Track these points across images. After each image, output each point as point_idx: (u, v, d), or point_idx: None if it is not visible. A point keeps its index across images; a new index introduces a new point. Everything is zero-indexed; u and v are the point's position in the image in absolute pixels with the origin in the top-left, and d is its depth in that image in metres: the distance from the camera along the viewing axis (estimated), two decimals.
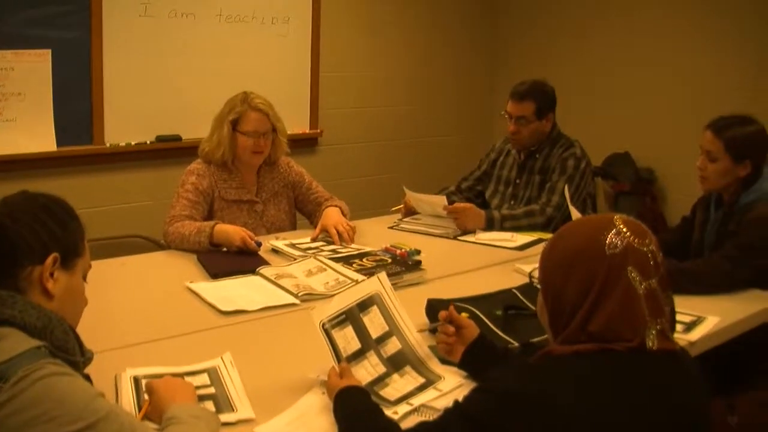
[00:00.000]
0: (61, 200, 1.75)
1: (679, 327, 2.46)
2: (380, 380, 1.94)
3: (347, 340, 1.96)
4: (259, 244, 3.16)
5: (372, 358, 1.98)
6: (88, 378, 1.62)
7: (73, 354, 1.60)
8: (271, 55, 5.43)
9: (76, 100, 4.62)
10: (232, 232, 3.17)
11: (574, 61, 6.27)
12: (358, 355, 1.96)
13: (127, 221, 4.72)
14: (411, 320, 2.11)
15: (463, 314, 2.21)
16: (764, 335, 2.85)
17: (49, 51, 4.46)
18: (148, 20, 4.80)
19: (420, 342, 2.08)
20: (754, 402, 3.27)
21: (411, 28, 6.29)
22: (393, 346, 2.03)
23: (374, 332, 2.02)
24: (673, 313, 1.60)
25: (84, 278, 1.76)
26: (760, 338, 2.85)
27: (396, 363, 2.00)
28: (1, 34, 4.28)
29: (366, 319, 2.02)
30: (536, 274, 1.69)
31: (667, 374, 1.53)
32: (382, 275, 2.13)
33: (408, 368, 2.00)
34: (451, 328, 2.05)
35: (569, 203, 3.26)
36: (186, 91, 4.97)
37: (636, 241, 1.56)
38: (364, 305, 2.05)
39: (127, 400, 1.89)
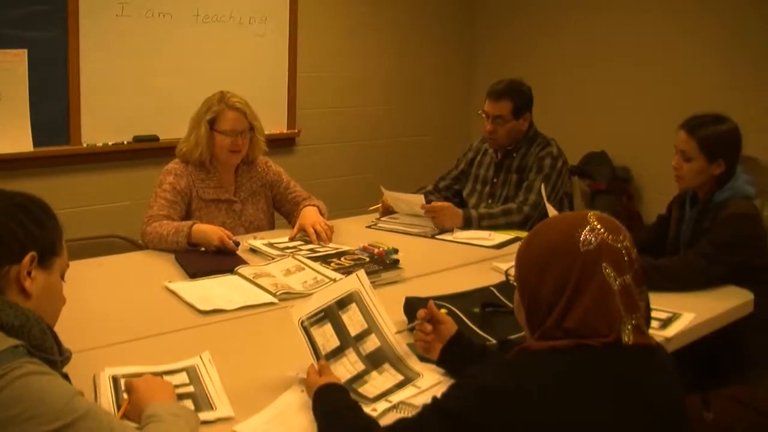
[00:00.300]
0: (38, 199, 1.75)
1: (655, 323, 2.49)
2: (359, 377, 1.95)
3: (326, 337, 1.97)
4: (237, 244, 3.16)
5: (351, 355, 1.99)
6: (66, 377, 1.62)
7: (51, 353, 1.59)
8: (248, 55, 5.42)
9: (53, 100, 4.60)
10: (210, 231, 3.17)
11: (552, 60, 6.31)
12: (336, 353, 1.97)
13: (104, 221, 4.69)
14: (390, 318, 2.12)
15: (442, 310, 2.22)
16: (739, 331, 2.89)
17: (25, 51, 4.43)
18: (125, 20, 4.79)
19: (399, 340, 2.09)
20: (729, 398, 3.31)
21: (388, 29, 6.30)
22: (372, 343, 2.04)
23: (353, 330, 2.03)
24: (648, 308, 1.61)
25: (62, 277, 1.76)
26: (735, 334, 2.89)
27: (375, 360, 2.01)
28: None
29: (345, 317, 2.03)
30: (513, 272, 1.71)
31: (643, 369, 1.55)
32: (361, 273, 2.14)
33: (387, 366, 2.01)
34: (429, 326, 2.06)
35: (546, 201, 3.28)
36: (163, 91, 4.96)
37: (610, 237, 1.58)
38: (342, 303, 2.05)
39: (106, 399, 1.89)
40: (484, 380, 1.52)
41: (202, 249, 3.18)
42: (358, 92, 6.21)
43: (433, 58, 6.65)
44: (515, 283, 1.67)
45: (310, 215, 3.48)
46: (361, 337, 2.03)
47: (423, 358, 2.08)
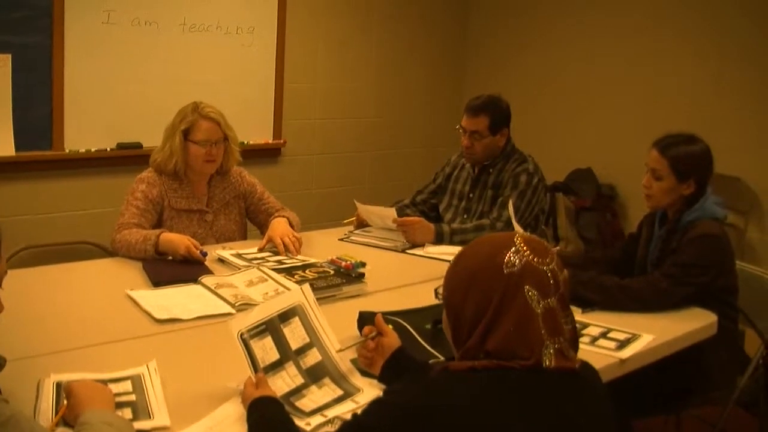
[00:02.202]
0: None
1: (612, 344, 2.50)
2: (297, 391, 1.95)
3: (266, 350, 1.97)
4: (205, 254, 3.17)
5: (290, 369, 1.99)
6: None
7: None
8: (235, 64, 5.45)
9: (36, 106, 4.63)
10: (177, 240, 3.18)
11: (541, 75, 6.34)
12: (276, 366, 1.97)
13: (85, 227, 4.70)
14: (334, 333, 2.12)
15: (389, 326, 2.22)
16: (703, 352, 2.89)
17: (9, 56, 4.47)
18: (111, 27, 4.82)
19: (341, 355, 2.09)
20: (699, 419, 3.32)
21: (377, 41, 6.33)
22: (313, 357, 2.04)
23: (294, 343, 2.03)
24: (575, 331, 1.61)
25: None
26: (700, 355, 2.89)
27: (315, 375, 2.01)
28: None
29: (287, 330, 2.03)
30: (441, 290, 1.71)
31: (563, 392, 1.54)
32: (306, 287, 2.15)
33: (327, 380, 2.01)
34: (372, 344, 2.07)
35: (512, 218, 3.29)
36: (148, 99, 4.98)
37: (535, 259, 1.57)
38: (285, 316, 2.06)
39: (47, 404, 1.89)
40: (401, 398, 1.52)
41: (170, 258, 3.19)
42: (345, 103, 6.23)
43: (422, 71, 6.67)
44: (443, 302, 1.67)
45: (279, 227, 3.48)
46: (303, 351, 2.04)
47: (365, 373, 2.08)
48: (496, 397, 1.49)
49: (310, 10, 5.86)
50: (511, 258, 1.57)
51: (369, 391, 2.01)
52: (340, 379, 2.03)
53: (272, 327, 2.02)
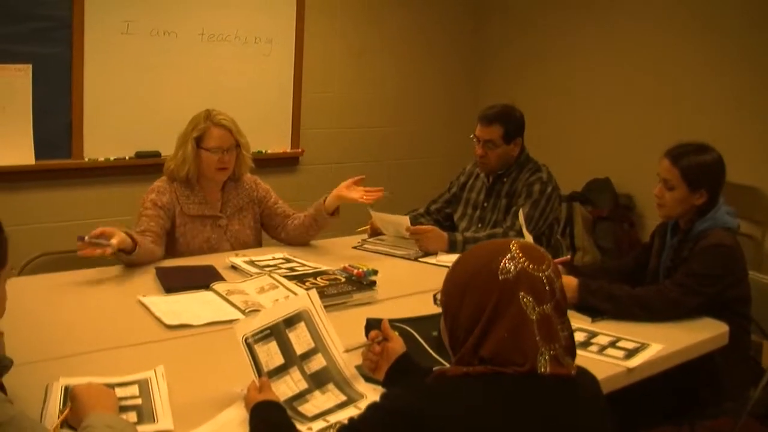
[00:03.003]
0: None
1: (620, 353, 2.50)
2: (301, 396, 1.96)
3: (270, 354, 1.98)
4: (81, 238, 3.02)
5: (295, 374, 2.00)
6: (1, 386, 1.65)
7: None
8: (253, 74, 5.49)
9: (56, 115, 4.70)
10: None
11: (558, 86, 6.33)
12: (280, 371, 1.98)
13: None
14: (339, 339, 2.13)
15: (395, 332, 2.24)
16: (716, 363, 2.88)
17: (30, 66, 4.54)
18: (130, 38, 4.88)
19: (346, 361, 2.10)
20: (711, 431, 3.30)
21: (395, 51, 6.36)
22: (317, 363, 2.05)
23: (299, 348, 2.04)
24: (571, 338, 1.61)
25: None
26: (712, 366, 2.88)
27: (319, 380, 2.02)
28: None
29: (292, 335, 2.05)
30: (440, 296, 1.72)
31: (558, 399, 1.55)
32: (312, 292, 2.17)
33: (331, 386, 2.02)
34: (378, 348, 2.08)
35: (523, 226, 3.29)
36: (166, 109, 5.03)
37: (531, 266, 1.58)
38: (290, 321, 2.07)
39: (54, 407, 1.92)
40: (396, 403, 1.53)
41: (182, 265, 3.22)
42: (362, 113, 6.26)
43: (439, 81, 6.70)
44: (441, 307, 1.68)
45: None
46: (308, 356, 2.05)
47: (369, 379, 2.09)
48: (489, 403, 1.49)
49: (329, 20, 5.90)
50: (507, 264, 1.57)
51: (373, 397, 2.01)
52: (343, 385, 2.04)
53: (277, 332, 2.04)
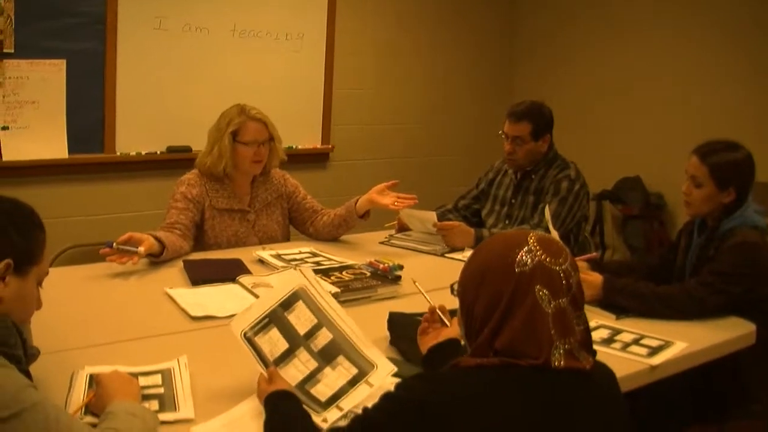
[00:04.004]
0: (27, 208, 1.81)
1: (644, 351, 2.48)
2: (312, 377, 1.95)
3: (273, 342, 1.97)
4: (109, 244, 3.08)
5: (302, 354, 1.98)
6: (28, 374, 1.68)
7: (14, 348, 1.66)
8: (284, 70, 5.53)
9: (89, 110, 4.76)
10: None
11: (588, 83, 6.30)
12: (287, 356, 1.97)
13: (135, 229, 4.73)
14: (341, 308, 2.10)
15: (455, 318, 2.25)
16: (742, 363, 2.85)
17: (64, 61, 4.61)
18: (162, 33, 4.93)
19: (352, 326, 2.06)
20: None
21: (425, 47, 6.37)
22: (323, 337, 2.02)
23: (302, 328, 2.02)
24: (587, 332, 1.61)
25: (39, 284, 1.83)
26: (738, 366, 2.85)
27: (328, 355, 2.00)
28: (17, 44, 4.43)
29: (292, 317, 2.03)
30: (457, 286, 1.72)
31: (571, 392, 1.54)
32: (304, 268, 2.16)
33: (341, 358, 1.99)
34: (435, 309, 2.16)
35: (549, 222, 3.28)
36: (198, 104, 5.07)
37: (547, 259, 1.57)
38: (287, 303, 2.05)
39: (78, 395, 1.95)
40: (409, 392, 1.53)
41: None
42: (393, 110, 6.28)
43: (469, 78, 6.70)
44: (457, 298, 1.69)
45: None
46: (312, 333, 2.02)
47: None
48: (501, 394, 1.50)
49: (359, 17, 5.92)
50: (524, 257, 1.57)
51: (383, 366, 1.99)
52: (353, 354, 2.01)
53: (276, 318, 2.02)
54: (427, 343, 2.12)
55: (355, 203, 3.69)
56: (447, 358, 1.99)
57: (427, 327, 2.15)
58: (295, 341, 2.01)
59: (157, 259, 3.20)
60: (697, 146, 3.09)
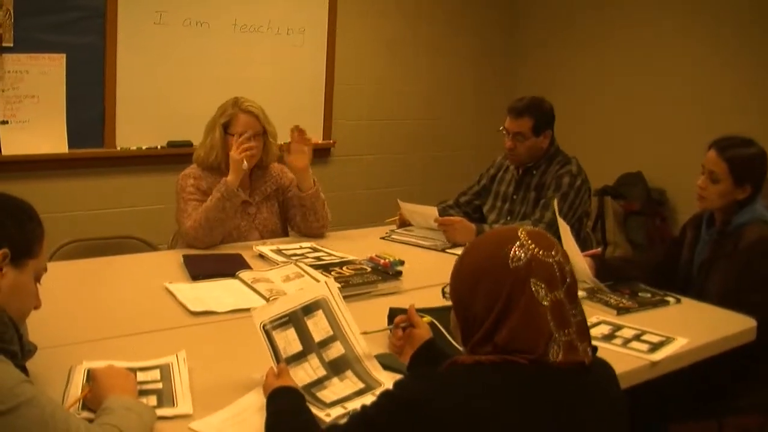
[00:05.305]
0: (23, 202, 1.81)
1: (644, 347, 2.48)
2: (319, 383, 1.96)
3: (288, 341, 1.99)
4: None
5: (313, 360, 2.00)
6: (24, 369, 1.67)
7: (10, 344, 1.65)
8: (285, 65, 5.52)
9: (89, 104, 4.74)
10: (232, 164, 3.36)
11: (590, 80, 6.29)
12: (298, 357, 1.99)
13: (135, 224, 4.79)
14: (358, 327, 2.13)
15: (425, 318, 2.24)
16: (746, 358, 2.83)
17: (64, 55, 4.59)
18: (163, 28, 4.92)
19: (365, 349, 2.10)
20: (741, 428, 3.26)
21: (426, 42, 6.36)
22: (336, 350, 2.05)
23: (317, 336, 2.04)
24: (584, 323, 1.60)
25: (38, 280, 1.82)
26: (743, 360, 2.84)
27: (337, 367, 2.02)
28: (17, 38, 4.40)
29: (310, 323, 2.05)
30: (448, 289, 1.71)
31: (569, 387, 1.53)
32: (330, 281, 2.18)
33: (349, 373, 2.02)
34: (399, 332, 2.10)
35: (557, 216, 3.25)
36: (198, 99, 5.03)
37: (540, 252, 1.56)
38: (308, 309, 2.07)
39: (75, 389, 1.94)
40: (407, 391, 1.53)
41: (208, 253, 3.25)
42: (395, 105, 6.26)
43: (471, 73, 6.68)
44: (450, 300, 1.68)
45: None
46: (326, 343, 2.05)
47: (388, 368, 2.09)
48: (499, 391, 1.49)
49: (361, 12, 5.91)
50: (517, 252, 1.56)
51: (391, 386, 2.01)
52: (362, 373, 2.04)
53: (295, 319, 2.04)
54: (407, 354, 2.11)
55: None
56: (432, 360, 1.99)
57: (400, 346, 2.13)
58: (309, 346, 2.03)
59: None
60: (715, 140, 3.08)
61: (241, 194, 3.39)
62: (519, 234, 1.60)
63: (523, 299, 1.53)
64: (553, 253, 1.58)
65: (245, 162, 3.36)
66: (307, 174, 3.62)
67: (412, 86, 6.33)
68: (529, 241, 1.58)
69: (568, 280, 1.58)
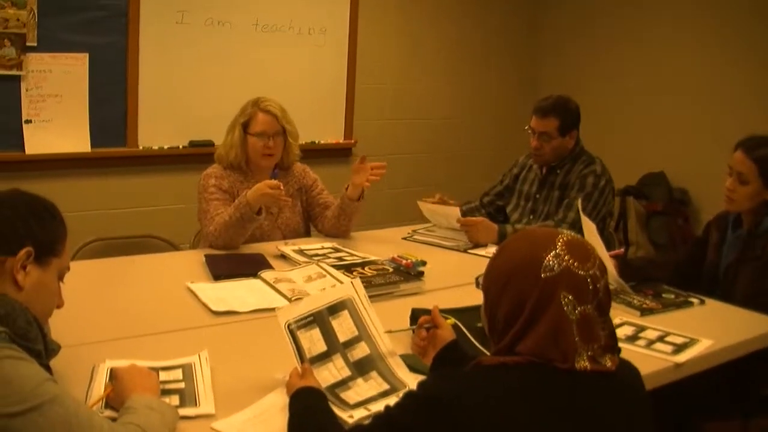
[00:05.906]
0: (46, 201, 1.81)
1: (668, 348, 2.46)
2: (343, 383, 1.96)
3: (313, 341, 1.98)
4: (275, 174, 3.34)
5: (337, 361, 1.99)
6: (48, 368, 1.67)
7: (35, 343, 1.66)
8: (307, 64, 5.51)
9: (112, 103, 4.76)
10: (258, 189, 3.26)
11: (613, 78, 6.26)
12: (323, 357, 1.98)
13: (156, 223, 4.80)
14: (383, 328, 2.12)
15: (449, 320, 2.23)
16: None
17: (87, 55, 4.61)
18: (185, 27, 4.92)
19: (390, 350, 2.09)
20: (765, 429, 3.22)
21: (449, 42, 6.34)
22: (361, 351, 2.04)
23: (342, 336, 2.04)
24: (612, 337, 1.57)
25: (61, 279, 1.82)
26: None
27: (362, 368, 2.01)
28: (40, 37, 4.42)
29: (335, 323, 2.04)
30: (482, 280, 1.69)
31: (595, 392, 1.51)
32: (357, 281, 2.16)
33: (374, 374, 2.01)
34: (423, 333, 2.08)
35: (582, 215, 3.23)
36: (220, 98, 5.04)
37: (575, 264, 1.53)
38: (334, 309, 2.07)
39: (98, 388, 1.95)
40: (431, 391, 1.51)
41: (229, 253, 3.26)
42: (416, 104, 6.25)
43: (494, 73, 6.66)
44: (482, 291, 1.66)
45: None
46: (351, 344, 2.04)
47: (413, 369, 2.08)
48: (524, 394, 1.47)
49: (382, 11, 5.90)
50: (551, 262, 1.52)
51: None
52: (387, 374, 2.02)
53: (320, 319, 2.03)
54: (429, 354, 2.08)
55: (347, 189, 3.64)
56: (455, 361, 1.98)
57: (423, 347, 2.11)
58: (334, 346, 2.02)
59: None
60: (741, 141, 3.04)
61: (261, 220, 3.37)
62: (557, 242, 1.56)
63: (550, 311, 1.50)
64: (588, 265, 1.54)
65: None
66: (361, 189, 3.61)
67: (434, 85, 6.31)
68: (565, 251, 1.54)
69: (600, 294, 1.54)
